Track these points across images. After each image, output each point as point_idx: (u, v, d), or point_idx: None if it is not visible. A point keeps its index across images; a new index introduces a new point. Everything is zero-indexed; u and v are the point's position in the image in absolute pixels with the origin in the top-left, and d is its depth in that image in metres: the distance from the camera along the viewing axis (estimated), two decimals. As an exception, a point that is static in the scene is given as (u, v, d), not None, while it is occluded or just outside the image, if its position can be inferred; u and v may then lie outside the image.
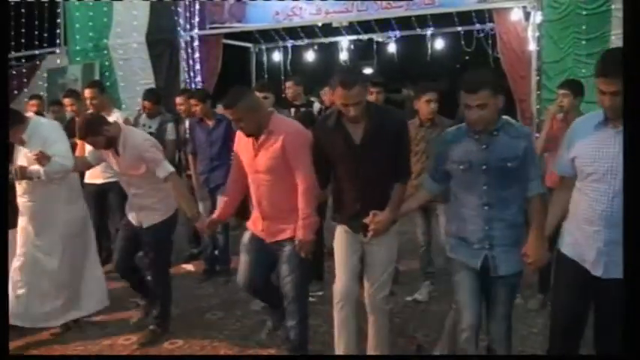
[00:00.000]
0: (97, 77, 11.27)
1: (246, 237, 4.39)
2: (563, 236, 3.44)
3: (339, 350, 4.08)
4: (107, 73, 11.65)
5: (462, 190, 3.58)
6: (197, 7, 11.26)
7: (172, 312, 5.19)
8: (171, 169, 4.81)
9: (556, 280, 3.52)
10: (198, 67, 11.30)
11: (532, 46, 8.65)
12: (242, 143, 4.26)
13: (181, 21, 11.26)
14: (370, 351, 4.12)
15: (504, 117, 3.50)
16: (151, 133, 7.13)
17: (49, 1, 12.32)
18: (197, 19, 11.29)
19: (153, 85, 10.65)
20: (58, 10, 12.41)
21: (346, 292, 4.01)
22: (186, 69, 11.28)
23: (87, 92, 6.77)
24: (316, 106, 8.05)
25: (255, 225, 4.35)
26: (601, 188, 3.14)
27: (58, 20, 12.43)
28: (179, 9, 11.22)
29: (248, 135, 4.12)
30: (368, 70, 14.35)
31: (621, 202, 2.99)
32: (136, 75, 11.43)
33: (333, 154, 3.98)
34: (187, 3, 11.26)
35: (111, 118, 6.60)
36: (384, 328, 4.08)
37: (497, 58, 9.82)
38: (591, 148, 3.18)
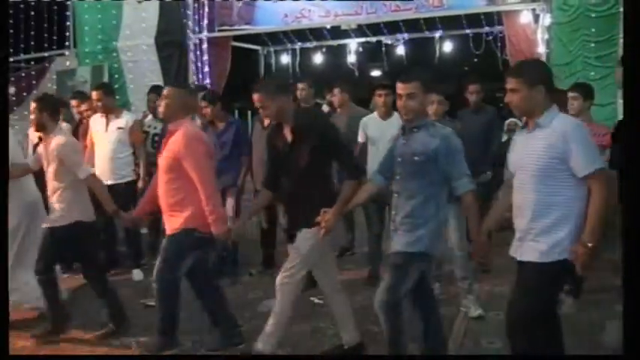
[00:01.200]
0: (106, 79, 11.31)
1: None
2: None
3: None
4: (116, 75, 11.69)
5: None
6: (206, 9, 11.29)
7: (181, 313, 5.18)
8: (89, 171, 5.10)
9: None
10: (207, 69, 11.33)
11: (541, 49, 8.65)
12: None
13: (190, 23, 11.30)
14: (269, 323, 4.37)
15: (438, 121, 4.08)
16: (156, 134, 7.17)
17: (59, 3, 12.38)
18: (206, 21, 11.33)
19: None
20: (68, 13, 12.46)
21: None
22: (195, 71, 11.31)
23: (94, 94, 6.80)
24: (324, 108, 8.06)
25: None
26: (517, 183, 3.53)
27: (68, 22, 12.49)
28: (188, 11, 11.25)
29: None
30: (377, 73, 14.33)
31: (533, 193, 3.38)
32: (144, 77, 11.46)
33: (273, 153, 4.41)
34: (196, 5, 11.29)
35: (120, 121, 6.66)
36: (283, 297, 4.32)
37: (506, 60, 9.82)
38: (514, 150, 3.64)
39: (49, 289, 5.09)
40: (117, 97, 10.77)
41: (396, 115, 5.72)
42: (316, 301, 5.75)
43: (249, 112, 10.63)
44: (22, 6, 12.25)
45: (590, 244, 3.25)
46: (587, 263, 3.30)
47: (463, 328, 5.03)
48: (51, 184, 5.06)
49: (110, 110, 6.70)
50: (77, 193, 5.05)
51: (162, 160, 4.50)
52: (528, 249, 3.46)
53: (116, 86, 11.42)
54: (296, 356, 4.41)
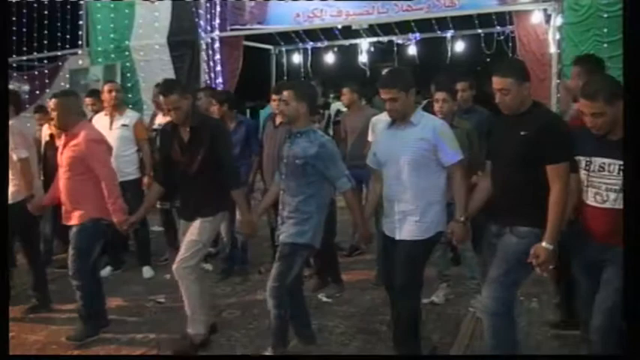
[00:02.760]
0: (118, 78, 11.37)
1: None
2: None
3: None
4: (129, 74, 11.75)
5: None
6: (218, 8, 11.32)
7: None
8: (23, 155, 5.43)
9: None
10: (218, 68, 11.36)
11: (552, 49, 8.62)
12: None
13: (202, 22, 11.33)
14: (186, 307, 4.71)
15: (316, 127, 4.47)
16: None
17: (72, 3, 12.46)
18: (218, 20, 11.36)
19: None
20: (81, 12, 12.54)
21: None
22: (206, 70, 11.35)
23: (107, 87, 6.86)
24: (333, 107, 8.07)
25: None
26: (391, 172, 4.09)
27: (81, 21, 12.57)
28: (200, 10, 11.28)
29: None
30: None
31: (406, 180, 3.99)
32: (157, 76, 11.44)
33: (171, 153, 4.72)
34: (208, 5, 11.33)
35: (124, 119, 6.74)
36: (189, 290, 4.64)
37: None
38: (383, 144, 4.21)
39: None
40: (129, 95, 10.92)
41: None
42: (324, 299, 5.77)
43: (251, 110, 10.69)
44: (35, 5, 12.34)
45: (462, 219, 3.93)
46: (461, 235, 3.98)
47: (472, 327, 5.02)
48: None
49: (116, 107, 6.75)
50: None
51: (64, 159, 4.94)
52: (408, 229, 4.05)
53: (128, 85, 11.51)
54: (297, 356, 4.44)
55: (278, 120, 6.03)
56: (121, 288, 6.32)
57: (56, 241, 7.27)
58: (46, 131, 7.36)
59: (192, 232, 4.61)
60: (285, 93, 4.30)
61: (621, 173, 3.26)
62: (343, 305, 5.59)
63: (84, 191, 4.88)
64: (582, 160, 3.50)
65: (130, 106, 9.05)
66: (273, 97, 6.19)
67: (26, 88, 12.48)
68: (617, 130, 3.30)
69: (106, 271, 6.68)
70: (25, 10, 12.43)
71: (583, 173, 3.50)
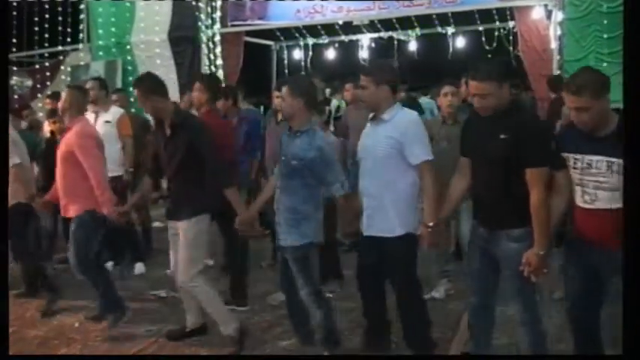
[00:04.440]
0: (119, 74, 11.38)
1: None
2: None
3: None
4: (130, 70, 11.75)
5: None
6: (219, 4, 11.33)
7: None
8: (16, 161, 5.55)
9: None
10: (219, 64, 11.36)
11: (553, 44, 8.62)
12: None
13: (203, 18, 11.33)
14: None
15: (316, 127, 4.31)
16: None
17: (73, -1, 12.46)
18: (219, 16, 11.36)
19: (175, 82, 10.74)
20: (82, 7, 12.53)
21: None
22: (207, 66, 11.35)
23: (89, 84, 6.84)
24: (333, 103, 8.07)
25: None
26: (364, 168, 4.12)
27: (82, 17, 12.57)
28: (201, 5, 11.28)
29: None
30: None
31: (375, 177, 4.01)
32: (158, 72, 11.38)
33: (157, 146, 4.76)
34: (209, 0, 11.33)
35: (107, 115, 6.77)
36: (204, 299, 4.63)
37: (518, 56, 9.80)
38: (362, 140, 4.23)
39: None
40: (130, 91, 10.91)
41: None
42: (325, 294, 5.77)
43: (262, 107, 10.70)
44: (36, 1, 12.34)
45: (430, 224, 3.87)
46: (431, 240, 3.93)
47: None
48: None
49: (99, 104, 6.75)
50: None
51: (59, 153, 5.10)
52: (374, 225, 4.07)
53: (130, 81, 11.50)
54: (298, 356, 4.45)
55: (279, 116, 6.03)
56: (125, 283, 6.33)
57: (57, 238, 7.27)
58: (46, 128, 7.36)
59: (181, 244, 4.56)
60: (283, 89, 4.25)
61: (611, 170, 3.16)
62: (344, 300, 5.59)
63: (77, 184, 4.98)
64: (570, 158, 3.36)
65: (132, 99, 9.01)
66: (276, 93, 6.20)
67: (29, 83, 12.49)
68: (604, 126, 3.20)
69: (140, 267, 6.82)
70: (26, 6, 12.44)
71: (573, 172, 3.36)
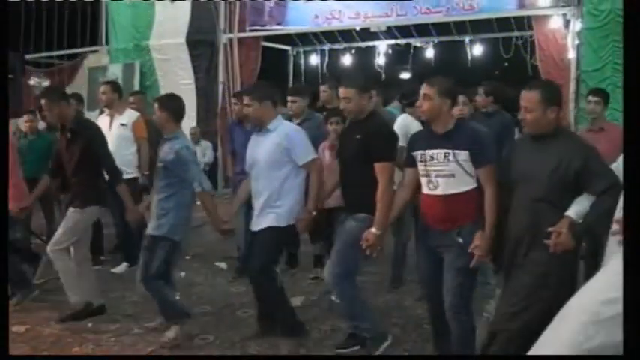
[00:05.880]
0: (137, 76, 11.45)
1: None
2: None
3: None
4: (148, 73, 11.83)
5: None
6: (237, 9, 11.37)
7: (206, 309, 5.26)
8: None
9: None
10: (237, 68, 11.41)
11: (571, 54, 8.59)
12: None
13: (221, 23, 11.39)
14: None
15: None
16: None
17: (92, 1, 12.55)
18: (237, 20, 11.41)
19: (192, 86, 10.80)
20: (101, 9, 12.64)
21: None
22: (225, 70, 11.40)
23: (102, 88, 6.90)
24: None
25: None
26: (254, 173, 4.74)
27: (101, 20, 12.67)
28: (220, 10, 11.34)
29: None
30: (405, 75, 14.27)
31: (267, 179, 4.61)
32: (176, 75, 11.59)
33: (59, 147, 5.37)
34: (228, 5, 11.38)
35: (123, 118, 6.80)
36: (59, 269, 5.26)
37: (536, 65, 9.77)
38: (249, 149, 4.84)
39: None
40: (147, 94, 10.97)
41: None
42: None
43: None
44: (56, 2, 12.45)
45: (312, 212, 4.62)
46: (305, 227, 4.75)
47: (485, 333, 4.97)
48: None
49: (113, 107, 6.78)
50: None
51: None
52: (265, 220, 4.61)
53: (147, 84, 11.61)
54: (302, 356, 4.45)
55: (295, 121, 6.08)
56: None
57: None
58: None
59: (64, 222, 5.28)
60: (154, 103, 4.88)
61: (447, 160, 3.76)
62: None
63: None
64: (418, 155, 3.91)
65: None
66: (289, 98, 6.33)
67: (46, 83, 12.58)
68: (440, 124, 3.84)
69: (121, 267, 6.73)
70: (45, 8, 12.56)
71: (420, 165, 3.91)
